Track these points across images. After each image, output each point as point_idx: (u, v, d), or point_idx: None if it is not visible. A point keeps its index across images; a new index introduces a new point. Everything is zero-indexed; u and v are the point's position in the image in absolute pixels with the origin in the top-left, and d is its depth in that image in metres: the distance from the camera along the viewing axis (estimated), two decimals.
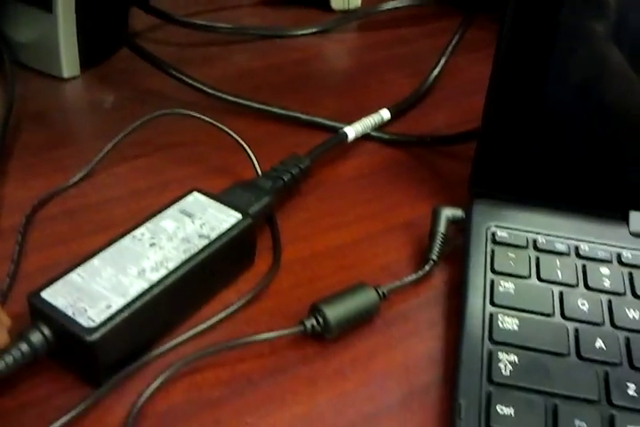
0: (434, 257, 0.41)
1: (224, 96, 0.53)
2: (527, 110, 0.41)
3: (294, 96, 0.58)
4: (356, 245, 0.43)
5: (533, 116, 0.41)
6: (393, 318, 0.38)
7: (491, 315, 0.36)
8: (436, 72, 0.59)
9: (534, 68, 0.40)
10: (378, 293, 0.38)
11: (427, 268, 0.40)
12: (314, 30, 0.67)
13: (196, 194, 0.40)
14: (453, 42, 0.62)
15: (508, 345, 0.35)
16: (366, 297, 0.38)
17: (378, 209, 0.46)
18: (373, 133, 0.52)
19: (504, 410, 0.32)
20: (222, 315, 0.37)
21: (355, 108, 0.56)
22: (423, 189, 0.48)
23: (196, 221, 0.38)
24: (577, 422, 0.32)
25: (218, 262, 0.38)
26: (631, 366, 0.34)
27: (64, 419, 0.31)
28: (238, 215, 0.39)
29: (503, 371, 0.34)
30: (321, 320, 0.36)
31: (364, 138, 0.52)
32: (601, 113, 0.41)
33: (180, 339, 0.36)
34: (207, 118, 0.47)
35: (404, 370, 0.36)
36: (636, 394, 0.33)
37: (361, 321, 0.37)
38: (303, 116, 0.53)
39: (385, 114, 0.53)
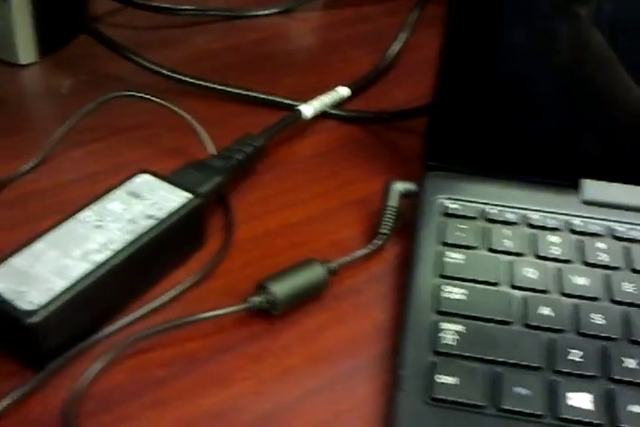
0: (384, 231, 0.40)
1: (181, 78, 0.53)
2: (477, 82, 0.41)
3: (254, 76, 0.57)
4: (310, 222, 0.43)
5: (483, 88, 0.41)
6: (342, 294, 0.38)
7: (438, 286, 0.36)
8: (395, 48, 0.58)
9: (484, 38, 0.40)
10: (326, 268, 0.38)
11: (377, 242, 0.40)
12: (276, 10, 0.67)
13: (144, 175, 0.40)
14: (412, 18, 0.61)
15: (453, 315, 0.35)
16: (314, 273, 0.38)
17: (333, 186, 0.46)
18: (332, 111, 0.51)
19: (446, 379, 0.32)
20: (170, 295, 0.37)
21: (315, 87, 0.55)
22: (380, 164, 0.48)
23: (144, 202, 0.38)
24: (518, 389, 0.31)
25: (166, 243, 0.37)
26: (578, 332, 0.34)
27: (4, 403, 0.31)
28: (188, 195, 0.39)
29: (447, 341, 0.33)
30: (267, 297, 0.36)
31: (323, 116, 0.52)
32: (550, 82, 0.41)
33: (126, 320, 0.35)
34: (159, 100, 0.46)
35: (352, 344, 0.36)
36: (580, 360, 0.33)
37: (309, 297, 0.37)
38: (261, 96, 0.52)
39: (343, 91, 0.53)
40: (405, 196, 0.42)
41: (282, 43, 0.64)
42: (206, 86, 0.53)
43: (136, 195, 0.39)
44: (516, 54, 0.40)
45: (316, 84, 0.57)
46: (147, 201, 0.38)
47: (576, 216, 0.40)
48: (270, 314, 0.36)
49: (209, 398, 0.33)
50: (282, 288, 0.36)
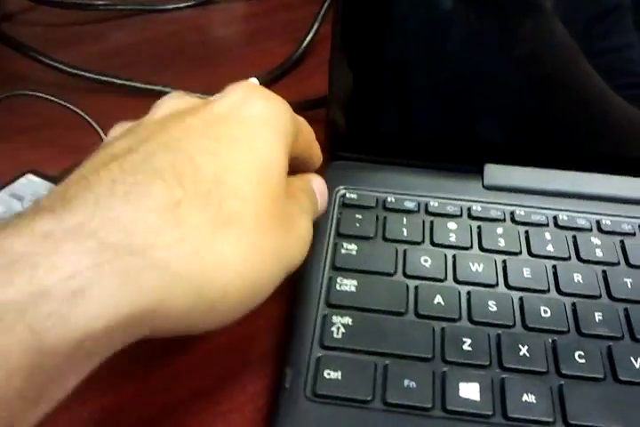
0: None
1: (85, 74, 0.52)
2: (370, 71, 0.40)
3: (165, 70, 0.56)
4: None
5: (377, 76, 0.40)
6: None
7: (329, 278, 0.35)
8: (308, 39, 0.57)
9: (373, 26, 0.38)
10: None
11: None
12: (190, 3, 0.65)
13: (30, 176, 0.39)
14: (326, 7, 0.60)
15: (343, 308, 0.34)
16: None
17: None
18: None
19: (331, 374, 0.31)
20: None
21: (227, 79, 0.53)
22: None
23: (25, 204, 0.36)
24: (406, 381, 0.31)
25: None
26: (470, 320, 0.33)
27: None
28: None
29: (335, 334, 0.32)
30: None
31: None
32: (445, 68, 0.40)
33: None
34: (56, 99, 0.45)
35: (243, 342, 0.35)
36: (470, 348, 0.32)
37: None
38: (167, 90, 0.51)
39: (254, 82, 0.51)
40: None
41: (198, 35, 0.62)
42: (110, 82, 0.51)
43: (18, 197, 0.37)
44: (407, 41, 0.39)
45: (228, 76, 0.55)
46: (27, 203, 0.36)
47: (477, 202, 0.40)
48: None
49: (90, 404, 0.31)
50: None
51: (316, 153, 0.35)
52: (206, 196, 0.26)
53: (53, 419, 0.22)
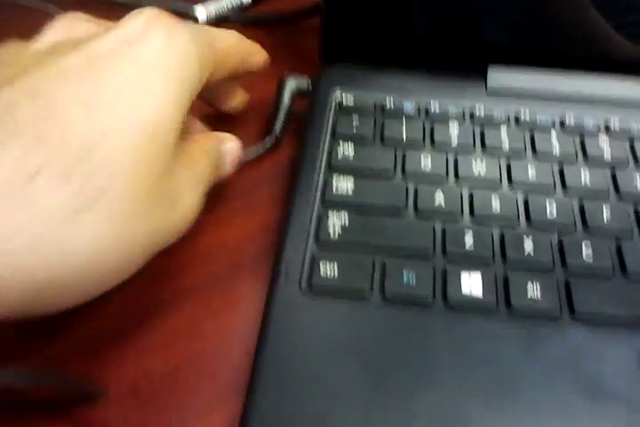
0: (276, 130, 0.37)
1: None
2: None
3: None
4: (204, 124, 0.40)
5: None
6: (230, 195, 0.36)
7: (327, 179, 0.33)
8: None
9: None
10: None
11: (267, 141, 0.37)
12: None
13: None
14: None
15: (340, 207, 0.32)
16: None
17: None
18: (231, 16, 0.48)
19: (328, 270, 0.29)
20: None
21: None
22: (281, 66, 0.44)
23: None
24: (405, 276, 0.29)
25: None
26: (472, 219, 0.32)
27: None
28: None
29: (331, 231, 0.31)
30: None
31: (223, 21, 0.48)
32: None
33: None
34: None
35: (235, 243, 0.33)
36: (472, 246, 0.30)
37: None
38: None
39: None
40: (302, 94, 0.39)
41: None
42: None
43: None
44: None
45: None
46: None
47: (480, 105, 0.37)
48: None
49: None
50: None
51: (253, 59, 0.33)
52: (72, 166, 0.21)
53: None
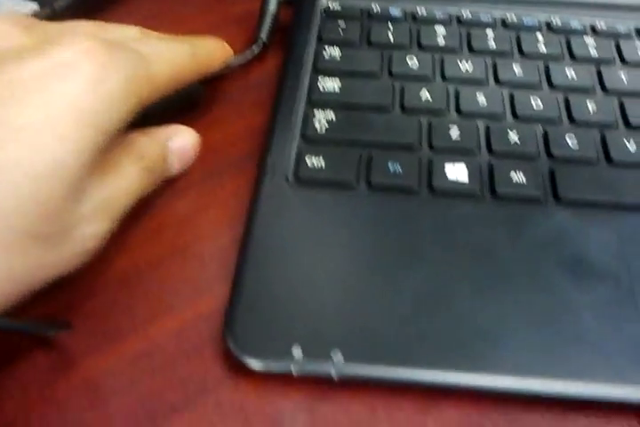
0: (262, 37, 0.37)
1: None
2: None
3: None
4: None
5: None
6: (217, 100, 0.36)
7: (312, 80, 0.33)
8: None
9: None
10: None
11: (254, 48, 0.37)
12: None
13: None
14: None
15: (327, 105, 0.32)
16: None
17: (218, 1, 0.42)
18: None
19: (314, 161, 0.30)
20: None
21: None
22: None
23: None
24: (391, 166, 0.29)
25: None
26: (459, 113, 0.32)
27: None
28: (34, 6, 0.35)
29: (318, 127, 0.31)
30: None
31: None
32: None
33: None
34: None
35: (222, 144, 0.33)
36: (458, 137, 0.30)
37: (184, 106, 0.35)
38: None
39: None
40: (289, 3, 0.39)
41: None
42: None
43: None
44: None
45: None
46: None
47: (466, 9, 0.37)
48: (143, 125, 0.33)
49: None
50: None
51: (213, 64, 0.31)
52: None
53: None
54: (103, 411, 0.24)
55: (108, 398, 0.24)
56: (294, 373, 0.24)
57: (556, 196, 0.29)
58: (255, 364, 0.24)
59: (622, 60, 0.35)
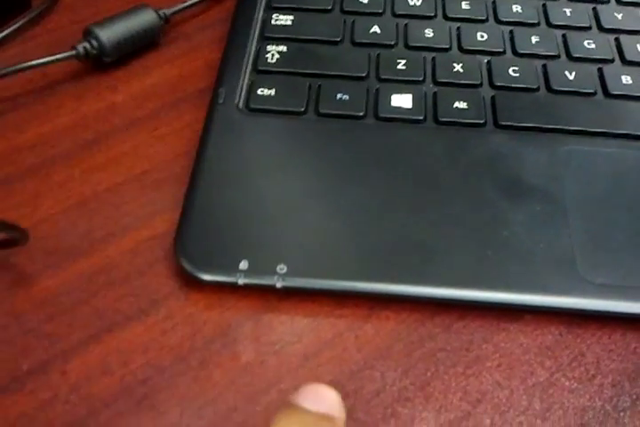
0: None
1: None
2: None
3: None
4: None
5: None
6: (176, 38, 0.37)
7: (265, 15, 0.35)
8: None
9: None
10: (158, 14, 0.36)
11: None
12: None
13: None
14: None
15: (279, 39, 0.34)
16: (146, 18, 0.36)
17: None
18: None
19: (265, 91, 0.31)
20: None
21: None
22: None
23: None
24: (339, 95, 0.30)
25: None
26: (406, 46, 0.33)
27: None
28: None
29: (270, 60, 0.32)
30: (95, 42, 0.34)
31: None
32: None
33: None
34: None
35: (180, 80, 0.35)
36: (404, 67, 0.32)
37: (142, 44, 0.35)
38: None
39: None
40: None
41: None
42: None
43: None
44: None
45: None
46: None
47: None
48: (102, 61, 0.34)
49: (27, 133, 0.31)
50: (110, 32, 0.34)
51: None
52: None
53: None
54: (61, 322, 0.25)
55: (66, 309, 0.26)
56: (240, 283, 0.25)
57: (495, 120, 0.30)
58: (204, 276, 0.25)
59: None
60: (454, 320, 0.26)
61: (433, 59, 0.32)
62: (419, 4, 0.35)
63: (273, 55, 0.32)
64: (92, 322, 0.25)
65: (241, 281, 0.25)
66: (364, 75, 0.32)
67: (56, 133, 0.32)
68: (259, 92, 0.31)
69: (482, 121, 0.30)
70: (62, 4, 0.39)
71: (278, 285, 0.25)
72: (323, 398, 0.21)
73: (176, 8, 0.37)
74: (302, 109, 0.30)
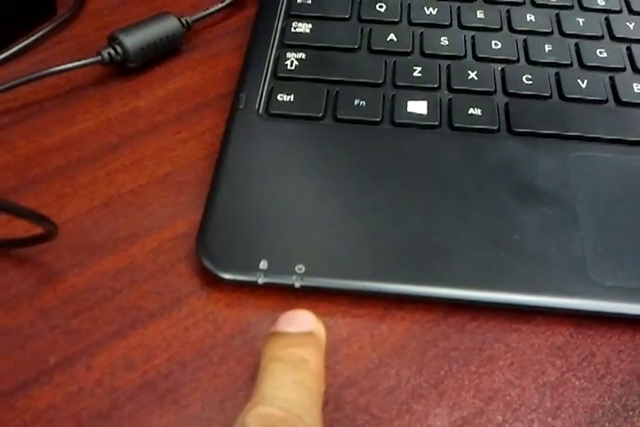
0: None
1: None
2: None
3: None
4: None
5: None
6: (198, 45, 0.38)
7: (285, 23, 0.36)
8: None
9: None
10: (180, 21, 0.37)
11: None
12: None
13: None
14: None
15: (298, 47, 0.35)
16: (168, 25, 0.37)
17: None
18: None
19: (284, 97, 0.32)
20: (14, 50, 0.36)
21: None
22: None
23: None
24: (356, 101, 0.31)
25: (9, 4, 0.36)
26: (422, 54, 0.34)
27: None
28: None
29: (289, 66, 0.33)
30: (119, 48, 0.35)
31: None
32: None
33: None
34: None
35: (202, 86, 0.36)
36: (420, 75, 0.33)
37: (165, 50, 0.37)
38: None
39: None
40: None
41: None
42: None
43: None
44: None
45: None
46: None
47: None
48: (126, 67, 0.35)
49: (53, 136, 0.32)
50: (134, 39, 0.35)
51: None
52: None
53: None
54: (87, 319, 0.26)
55: (91, 306, 0.27)
56: (260, 282, 0.26)
57: (509, 126, 0.31)
58: (225, 275, 0.26)
59: (580, 4, 0.36)
60: (468, 321, 0.26)
61: (448, 66, 0.33)
62: (434, 12, 0.36)
63: (292, 62, 0.33)
64: (116, 319, 0.26)
65: (261, 280, 0.26)
66: (380, 81, 0.32)
67: (81, 136, 0.33)
68: (278, 97, 0.31)
69: (495, 127, 0.31)
70: (87, 10, 0.40)
71: (297, 284, 0.26)
72: (299, 320, 0.24)
73: (198, 15, 0.38)
74: (320, 115, 0.31)
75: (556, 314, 0.27)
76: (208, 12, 0.38)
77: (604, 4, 0.37)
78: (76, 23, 0.39)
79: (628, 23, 0.36)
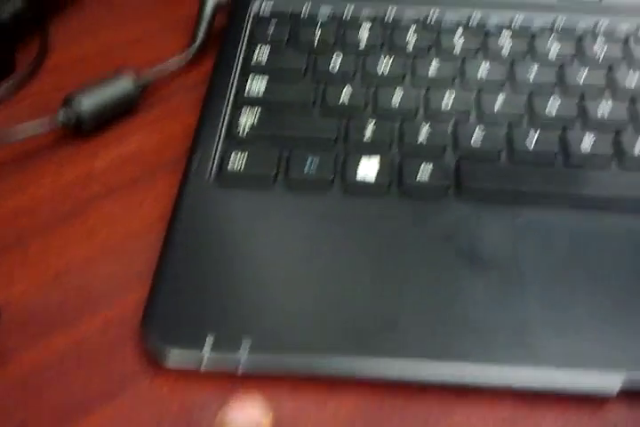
0: (196, 40, 0.39)
1: None
2: None
3: None
4: (130, 44, 0.42)
5: None
6: (155, 102, 0.38)
7: (240, 81, 0.36)
8: None
9: None
10: (136, 82, 0.37)
11: (190, 51, 0.39)
12: None
13: None
14: None
15: (251, 105, 0.34)
16: (124, 85, 0.37)
17: (158, 9, 0.44)
18: None
19: (236, 161, 0.32)
20: None
21: None
22: None
23: None
24: (309, 162, 0.31)
25: None
26: (374, 110, 0.34)
27: None
28: None
29: (242, 128, 0.33)
30: (74, 111, 0.35)
31: None
32: None
33: None
34: None
35: (158, 146, 0.35)
36: (371, 135, 0.32)
37: (121, 110, 0.37)
38: None
39: None
40: (224, 8, 0.41)
41: None
42: None
43: None
44: None
45: None
46: None
47: (391, 8, 0.39)
48: (82, 129, 0.35)
49: (6, 205, 0.32)
50: (89, 101, 0.36)
51: None
52: None
53: None
54: (34, 407, 0.26)
55: (39, 392, 0.26)
56: (202, 368, 0.26)
57: (458, 188, 0.31)
58: (168, 361, 0.26)
59: (533, 55, 0.37)
60: (412, 396, 0.26)
61: (401, 125, 0.33)
62: (387, 66, 0.36)
63: (246, 123, 0.33)
64: (62, 405, 0.26)
65: (203, 368, 0.26)
66: (333, 142, 0.32)
67: (35, 205, 0.33)
68: (230, 162, 0.31)
69: (445, 188, 0.31)
70: (46, 67, 0.40)
71: (239, 367, 0.26)
72: (248, 412, 0.25)
73: (154, 71, 0.38)
74: (271, 181, 0.31)
75: (499, 388, 0.26)
76: (165, 67, 0.38)
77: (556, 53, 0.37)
78: (35, 81, 0.39)
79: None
